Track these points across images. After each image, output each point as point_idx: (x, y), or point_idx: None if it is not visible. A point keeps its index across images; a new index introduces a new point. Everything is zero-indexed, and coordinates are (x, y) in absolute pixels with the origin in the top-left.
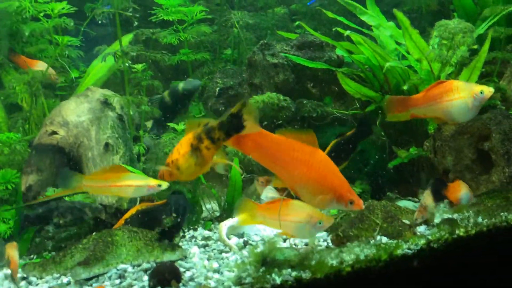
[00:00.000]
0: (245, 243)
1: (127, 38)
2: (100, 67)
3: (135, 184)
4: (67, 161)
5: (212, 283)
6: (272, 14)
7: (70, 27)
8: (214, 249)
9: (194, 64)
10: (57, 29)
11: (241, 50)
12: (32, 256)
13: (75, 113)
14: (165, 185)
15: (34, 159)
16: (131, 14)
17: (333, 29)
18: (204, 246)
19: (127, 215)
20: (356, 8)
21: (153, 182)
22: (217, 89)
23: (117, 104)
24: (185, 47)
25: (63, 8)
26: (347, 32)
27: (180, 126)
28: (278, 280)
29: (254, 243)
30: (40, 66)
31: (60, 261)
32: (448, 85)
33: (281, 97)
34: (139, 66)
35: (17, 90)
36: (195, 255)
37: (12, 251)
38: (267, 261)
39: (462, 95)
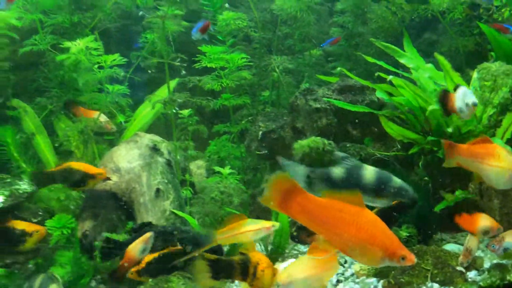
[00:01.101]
0: None
1: (172, 85)
2: (146, 112)
3: (255, 228)
4: (120, 206)
5: None
6: (309, 56)
7: (120, 76)
8: None
9: (234, 107)
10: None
11: (279, 93)
12: None
13: (126, 159)
14: (277, 225)
15: (89, 205)
16: (179, 63)
17: (376, 75)
18: None
19: (144, 262)
20: (395, 52)
21: (267, 224)
22: (260, 133)
23: (165, 149)
24: (224, 91)
25: (114, 60)
26: (390, 77)
27: (225, 170)
28: None
29: None
30: (97, 116)
31: None
32: (490, 148)
33: (326, 141)
34: (185, 112)
35: (70, 137)
36: None
37: None
38: None
39: (502, 164)
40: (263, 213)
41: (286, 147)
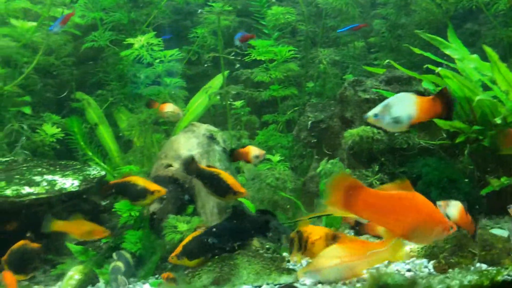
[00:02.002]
0: None
1: (221, 77)
2: (198, 104)
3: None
4: (182, 191)
5: None
6: (353, 48)
7: (178, 70)
8: None
9: (281, 97)
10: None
11: (325, 84)
12: (157, 276)
13: (186, 147)
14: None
15: None
16: (233, 57)
17: (424, 67)
18: None
19: (180, 246)
20: (441, 43)
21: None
22: (309, 123)
23: (220, 138)
24: (272, 83)
25: (172, 55)
26: (439, 69)
27: (275, 158)
28: None
29: None
30: (169, 107)
31: (189, 282)
32: None
33: (375, 130)
34: (238, 103)
35: (132, 128)
36: (305, 279)
37: None
38: (380, 285)
39: None
40: (313, 198)
41: (334, 136)
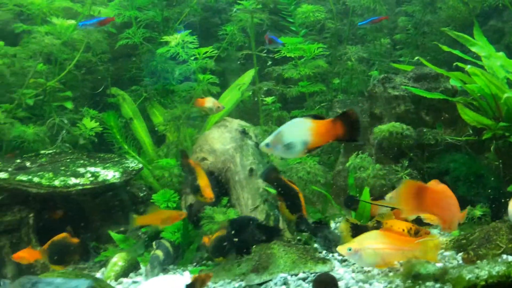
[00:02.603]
0: None
1: (251, 73)
2: (229, 99)
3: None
4: (217, 183)
5: None
6: (379, 45)
7: (212, 67)
8: (354, 264)
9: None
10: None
11: (352, 80)
12: (194, 264)
13: (220, 141)
14: None
15: (190, 181)
16: (265, 55)
17: (454, 64)
18: (343, 261)
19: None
20: (467, 41)
21: None
22: None
23: (252, 133)
24: (300, 79)
25: (205, 52)
26: (468, 67)
27: None
28: None
29: None
30: (209, 101)
31: (229, 269)
32: None
33: (404, 126)
34: (269, 99)
35: (167, 123)
36: (338, 268)
37: None
38: (413, 274)
39: None
40: (341, 192)
41: (362, 132)
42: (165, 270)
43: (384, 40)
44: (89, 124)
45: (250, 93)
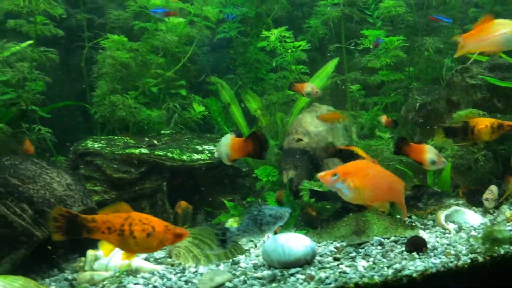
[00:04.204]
0: (460, 228)
1: (333, 63)
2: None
3: None
4: (311, 161)
5: (452, 251)
6: (452, 35)
7: (305, 58)
8: (436, 231)
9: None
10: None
11: (426, 68)
12: (295, 228)
13: (313, 124)
14: None
15: (289, 159)
16: (353, 47)
17: None
18: (425, 229)
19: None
20: None
21: None
22: (417, 105)
23: None
24: (380, 69)
25: (299, 46)
26: None
27: (385, 135)
28: (502, 251)
29: (466, 228)
30: (308, 87)
31: (330, 232)
32: None
33: (481, 112)
34: (355, 87)
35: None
36: (423, 234)
37: None
38: (492, 238)
39: None
40: (421, 171)
41: (439, 117)
42: None
43: (456, 31)
44: (198, 108)
45: (335, 81)
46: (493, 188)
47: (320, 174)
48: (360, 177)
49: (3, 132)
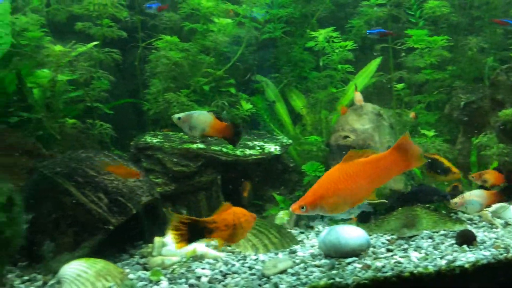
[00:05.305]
0: (506, 223)
1: (376, 62)
2: (357, 84)
3: None
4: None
5: (501, 245)
6: (494, 35)
7: (351, 57)
8: (483, 226)
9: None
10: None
11: (469, 67)
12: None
13: (359, 122)
14: None
15: (337, 155)
16: (399, 47)
17: None
18: (471, 225)
19: None
20: None
21: None
22: (462, 103)
23: (386, 115)
24: (425, 68)
25: (345, 46)
26: None
27: (430, 133)
28: None
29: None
30: (357, 96)
31: (380, 225)
32: None
33: None
34: (400, 86)
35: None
36: (471, 229)
37: None
38: None
39: None
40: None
41: (483, 115)
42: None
43: (499, 30)
44: (246, 105)
45: (380, 79)
46: None
47: (292, 207)
48: (330, 194)
49: (75, 127)
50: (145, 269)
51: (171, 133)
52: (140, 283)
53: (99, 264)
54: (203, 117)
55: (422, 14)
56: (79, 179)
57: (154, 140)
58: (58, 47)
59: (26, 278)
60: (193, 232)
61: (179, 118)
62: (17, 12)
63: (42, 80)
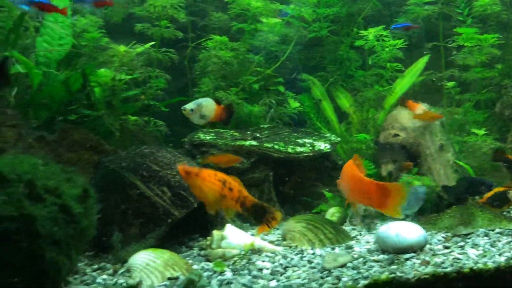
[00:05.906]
0: None
1: (424, 60)
2: (404, 83)
3: None
4: (409, 155)
5: None
6: None
7: (401, 55)
8: None
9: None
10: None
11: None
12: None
13: (409, 120)
14: None
15: (387, 153)
16: (450, 45)
17: None
18: None
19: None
20: None
21: None
22: None
23: None
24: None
25: (395, 44)
26: None
27: (480, 131)
28: None
29: None
30: (419, 109)
31: (434, 223)
32: None
33: None
34: (450, 84)
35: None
36: None
37: None
38: None
39: None
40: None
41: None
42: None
43: None
44: (293, 104)
45: (430, 78)
46: None
47: None
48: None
49: (136, 124)
50: (208, 260)
51: (221, 130)
52: (205, 273)
53: (166, 254)
54: (210, 105)
55: (471, 12)
56: (144, 173)
57: (208, 137)
58: (122, 48)
59: (95, 266)
60: None
61: (192, 110)
62: (76, 14)
63: (104, 79)
